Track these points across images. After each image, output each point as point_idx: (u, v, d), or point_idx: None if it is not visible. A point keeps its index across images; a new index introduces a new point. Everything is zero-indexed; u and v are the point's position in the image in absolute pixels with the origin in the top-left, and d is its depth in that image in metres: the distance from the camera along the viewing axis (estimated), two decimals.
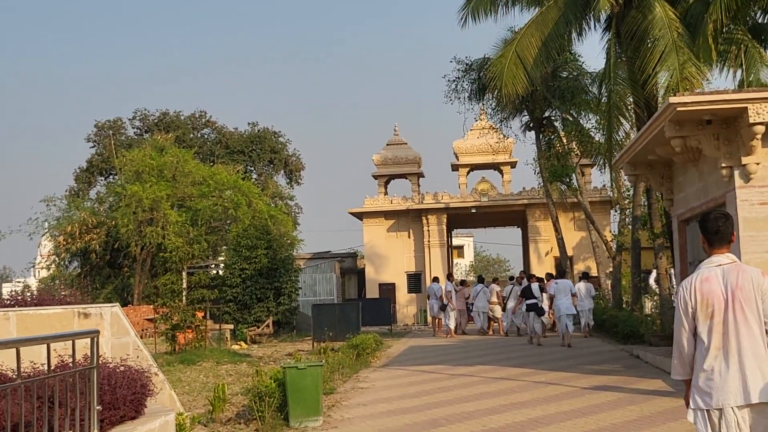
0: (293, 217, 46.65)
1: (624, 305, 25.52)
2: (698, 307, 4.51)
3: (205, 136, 49.81)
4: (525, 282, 23.17)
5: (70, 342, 5.07)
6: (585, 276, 23.31)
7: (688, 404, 4.54)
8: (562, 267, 28.84)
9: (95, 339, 5.28)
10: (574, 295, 20.72)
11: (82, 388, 5.12)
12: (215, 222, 35.63)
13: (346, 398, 12.13)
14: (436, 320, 25.77)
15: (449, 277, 26.17)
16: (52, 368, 4.96)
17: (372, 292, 39.56)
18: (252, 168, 49.09)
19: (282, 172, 50.10)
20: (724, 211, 4.73)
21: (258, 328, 27.79)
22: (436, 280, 26.07)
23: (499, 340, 23.03)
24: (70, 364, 5.21)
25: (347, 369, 15.59)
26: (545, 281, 23.18)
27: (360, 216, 41.45)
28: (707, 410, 4.40)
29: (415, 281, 40.10)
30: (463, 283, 25.28)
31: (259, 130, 49.50)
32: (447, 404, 11.12)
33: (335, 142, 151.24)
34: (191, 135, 48.65)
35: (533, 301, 21.57)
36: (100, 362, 5.80)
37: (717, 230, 4.59)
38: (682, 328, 4.57)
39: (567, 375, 13.94)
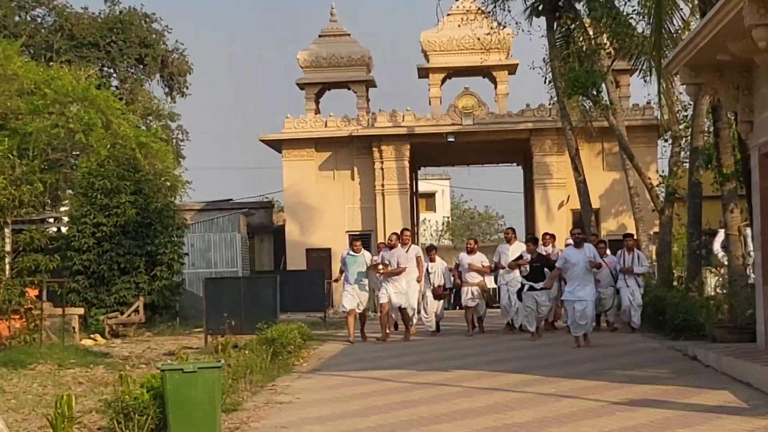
0: (175, 147, 46.22)
1: (675, 282, 25.94)
2: None
3: (39, 21, 48.78)
4: (541, 250, 22.54)
5: None
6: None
7: None
8: (584, 226, 29.17)
9: None
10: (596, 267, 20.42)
11: None
12: (55, 153, 35.02)
13: (257, 418, 12.10)
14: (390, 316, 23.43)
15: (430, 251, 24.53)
16: None
17: (296, 262, 39.59)
18: (112, 70, 48.32)
19: (158, 77, 49.44)
20: None
21: (122, 314, 27.60)
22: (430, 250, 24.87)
23: (485, 337, 23.31)
24: None
25: (259, 375, 15.58)
26: (541, 245, 22.91)
27: (278, 146, 41.21)
28: None
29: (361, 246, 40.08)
30: (430, 250, 24.59)
31: (121, 12, 48.63)
32: (408, 425, 11.18)
33: (240, 32, 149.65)
34: (16, 18, 47.59)
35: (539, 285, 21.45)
36: None
37: None
38: None
39: (589, 384, 14.11)
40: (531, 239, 23.28)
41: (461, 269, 23.34)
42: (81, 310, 26.07)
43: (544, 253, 22.38)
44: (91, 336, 25.06)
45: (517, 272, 22.36)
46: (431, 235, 73.04)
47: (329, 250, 39.86)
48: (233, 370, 14.98)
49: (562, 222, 37.72)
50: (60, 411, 10.30)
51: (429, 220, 73.34)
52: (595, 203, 35.52)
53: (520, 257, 22.14)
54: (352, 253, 22.70)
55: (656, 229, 30.58)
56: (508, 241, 23.90)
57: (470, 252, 23.52)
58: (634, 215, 29.56)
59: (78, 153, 35.59)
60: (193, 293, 34.13)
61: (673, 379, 14.48)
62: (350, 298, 22.44)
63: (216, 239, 38.76)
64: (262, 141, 41.26)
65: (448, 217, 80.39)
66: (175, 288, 30.48)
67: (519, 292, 21.93)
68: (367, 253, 23.10)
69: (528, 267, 21.66)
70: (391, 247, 22.53)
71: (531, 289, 21.44)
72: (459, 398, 13.23)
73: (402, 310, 22.41)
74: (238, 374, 14.98)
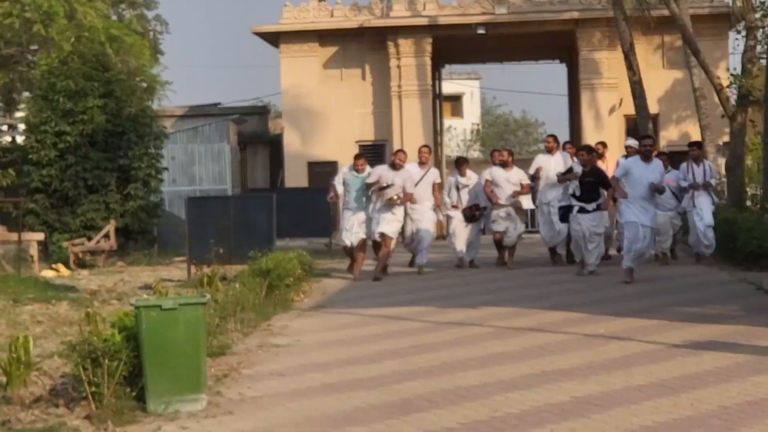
0: (153, 42, 45.92)
1: (749, 203, 25.84)
2: None
3: None
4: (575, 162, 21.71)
5: None
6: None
7: None
8: (639, 135, 28.98)
9: None
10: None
11: None
12: (9, 48, 34.95)
13: (250, 363, 12.14)
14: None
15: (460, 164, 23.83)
16: None
17: (296, 179, 39.57)
18: None
19: None
20: None
21: (90, 240, 27.68)
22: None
23: (518, 270, 23.31)
24: None
25: (251, 313, 15.61)
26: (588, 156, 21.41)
27: (275, 39, 40.92)
28: None
29: (374, 159, 40.02)
30: (461, 163, 23.99)
31: None
32: (429, 373, 11.20)
33: None
34: None
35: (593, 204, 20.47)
36: None
37: None
38: None
39: (643, 324, 14.11)
40: (585, 148, 22.05)
41: (493, 187, 22.53)
42: (41, 236, 26.14)
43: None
44: (53, 266, 25.15)
45: (560, 189, 21.88)
46: (457, 146, 72.91)
47: (335, 164, 39.54)
48: (221, 306, 14.99)
49: (613, 130, 37.47)
50: (15, 355, 10.31)
51: (455, 128, 73.11)
52: (653, 108, 35.32)
53: (570, 170, 21.22)
54: (356, 173, 21.73)
55: (726, 138, 30.45)
56: (549, 152, 23.20)
57: (505, 166, 22.78)
58: (700, 122, 29.41)
59: (36, 48, 35.49)
60: (174, 215, 34.19)
61: (744, 317, 14.47)
62: (352, 229, 21.45)
63: (201, 151, 38.67)
64: (256, 34, 40.93)
65: (477, 124, 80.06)
66: (153, 209, 30.53)
67: (565, 214, 21.01)
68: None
69: (578, 183, 20.54)
70: (395, 166, 21.50)
71: (582, 211, 20.37)
72: (489, 341, 13.25)
73: (383, 237, 21.38)
74: (227, 312, 14.98)
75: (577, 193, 20.49)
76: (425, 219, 22.09)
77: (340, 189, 21.96)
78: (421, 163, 22.36)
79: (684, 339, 12.70)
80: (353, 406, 9.75)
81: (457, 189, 23.01)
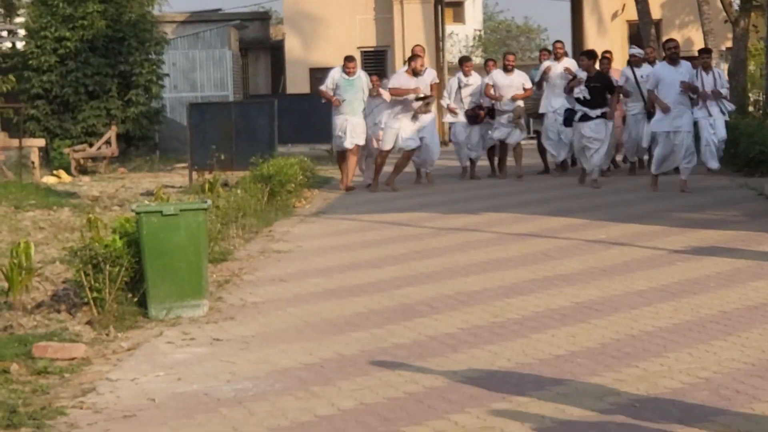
0: None
1: (751, 108, 25.76)
2: None
3: None
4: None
5: None
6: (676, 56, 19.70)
7: None
8: (641, 40, 28.79)
9: None
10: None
11: None
12: None
13: (251, 269, 12.19)
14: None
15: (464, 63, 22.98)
16: None
17: (297, 85, 39.38)
18: None
19: None
20: None
21: (91, 146, 27.63)
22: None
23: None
24: None
25: (253, 219, 15.65)
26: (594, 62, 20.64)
27: None
28: None
29: (376, 65, 39.85)
30: (465, 61, 22.95)
31: None
32: (430, 278, 11.26)
33: None
34: None
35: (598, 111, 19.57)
36: None
37: None
38: None
39: (644, 229, 14.15)
40: (586, 53, 21.10)
41: (495, 91, 21.66)
42: (42, 142, 26.05)
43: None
44: (55, 172, 25.12)
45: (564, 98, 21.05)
46: (459, 51, 72.37)
47: None
48: (223, 212, 14.99)
49: (616, 36, 37.28)
50: (16, 260, 10.31)
51: (457, 34, 72.64)
52: (656, 13, 35.01)
53: (574, 77, 20.25)
54: (346, 76, 20.69)
55: (729, 44, 30.25)
56: (557, 58, 22.27)
57: (507, 70, 21.93)
58: (703, 27, 29.14)
59: None
60: (176, 122, 34.06)
61: (745, 222, 14.51)
62: (346, 134, 20.50)
63: (202, 57, 38.42)
64: None
65: (479, 30, 79.58)
66: (154, 115, 30.45)
67: (568, 118, 20.05)
68: (364, 76, 21.07)
69: (583, 88, 19.56)
70: (416, 72, 20.47)
71: (585, 118, 19.50)
72: (490, 246, 13.31)
73: (411, 151, 20.68)
74: (229, 218, 14.99)
75: (586, 97, 19.45)
76: (431, 128, 21.20)
77: (330, 93, 20.92)
78: (418, 66, 20.87)
79: (684, 244, 12.74)
80: (354, 311, 9.79)
81: (459, 88, 22.08)
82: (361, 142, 20.71)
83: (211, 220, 13.47)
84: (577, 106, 19.68)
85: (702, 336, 8.36)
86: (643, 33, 30.04)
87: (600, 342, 8.30)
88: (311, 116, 31.97)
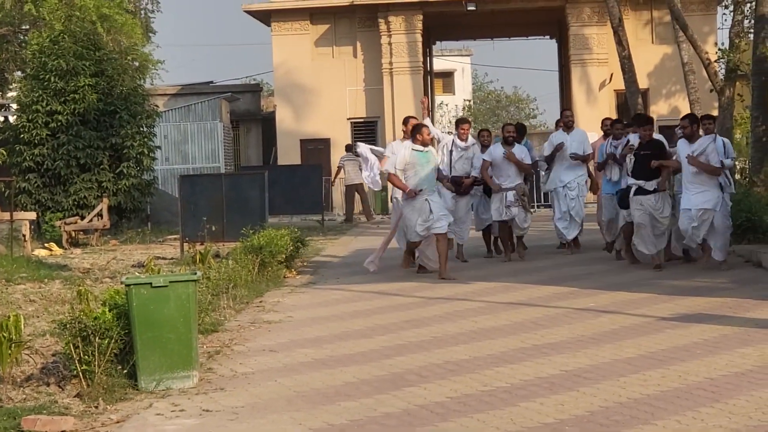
0: (144, 20, 45.80)
1: (738, 176, 25.86)
2: None
3: None
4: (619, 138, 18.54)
5: None
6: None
7: None
8: (629, 110, 28.97)
9: None
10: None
11: None
12: (1, 28, 34.84)
13: (242, 340, 12.16)
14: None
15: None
16: None
17: (289, 156, 39.60)
18: None
19: None
20: None
21: (82, 218, 27.64)
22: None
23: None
24: None
25: (244, 290, 15.66)
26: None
27: (266, 18, 40.86)
28: None
29: (366, 136, 40.09)
30: (461, 123, 20.06)
31: None
32: (419, 348, 11.23)
33: None
34: None
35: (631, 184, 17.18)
36: None
37: None
38: None
39: (633, 297, 14.16)
40: (641, 117, 18.57)
41: (492, 172, 19.02)
42: (33, 215, 26.07)
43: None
44: (46, 245, 25.11)
45: (579, 170, 19.75)
46: (449, 122, 72.80)
47: (328, 140, 39.79)
48: (213, 283, 15.01)
49: (604, 105, 37.59)
50: (6, 334, 10.29)
51: (447, 105, 73.06)
52: (643, 83, 35.34)
53: (627, 143, 17.64)
54: (419, 147, 17.17)
55: (715, 112, 30.38)
56: (567, 128, 20.55)
57: (508, 143, 19.22)
58: (689, 96, 29.41)
59: (28, 27, 35.38)
60: (167, 194, 34.18)
61: (732, 289, 14.49)
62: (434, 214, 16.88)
63: (194, 129, 38.64)
64: (247, 12, 40.90)
65: (469, 101, 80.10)
66: (146, 187, 30.49)
67: (623, 198, 17.54)
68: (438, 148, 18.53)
69: (633, 157, 17.25)
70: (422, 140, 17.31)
71: (640, 192, 16.97)
72: (480, 315, 13.28)
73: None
74: (220, 289, 15.01)
75: (631, 168, 17.26)
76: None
77: (399, 173, 17.24)
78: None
79: (673, 312, 12.74)
80: (344, 381, 9.76)
81: (451, 153, 19.31)
82: (451, 219, 17.55)
83: (202, 291, 13.49)
84: (630, 180, 17.23)
85: (689, 403, 8.36)
86: (630, 102, 30.30)
87: (588, 410, 8.29)
88: (302, 187, 32.11)
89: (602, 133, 20.20)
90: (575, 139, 20.28)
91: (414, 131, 17.61)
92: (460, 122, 20.07)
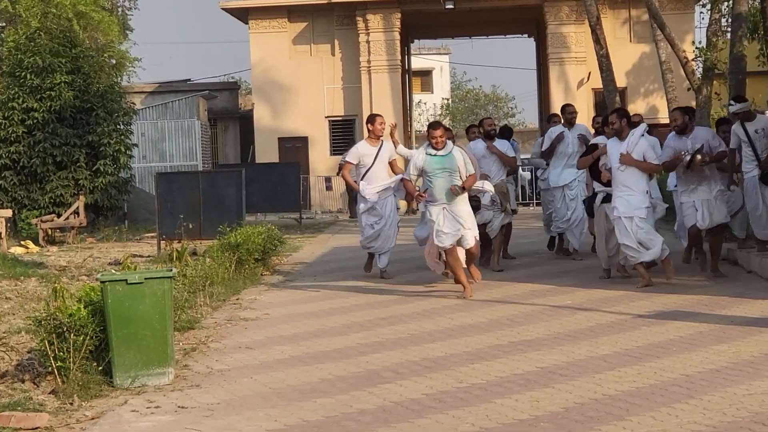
0: (121, 18, 45.71)
1: None
2: None
3: None
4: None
5: None
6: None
7: None
8: (606, 108, 29.02)
9: None
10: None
11: None
12: None
13: (218, 337, 12.15)
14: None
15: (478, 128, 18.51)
16: None
17: (266, 154, 39.54)
18: None
19: None
20: None
21: (59, 216, 27.56)
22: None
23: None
24: None
25: (220, 287, 15.64)
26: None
27: (244, 15, 40.81)
28: None
29: (344, 134, 40.12)
30: (434, 127, 15.81)
31: None
32: (395, 345, 11.25)
33: None
34: None
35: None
36: None
37: None
38: None
39: (609, 294, 14.21)
40: (621, 113, 15.52)
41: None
42: (9, 212, 26.02)
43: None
44: (22, 243, 25.04)
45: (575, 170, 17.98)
46: (427, 120, 72.88)
47: (306, 138, 39.80)
48: (190, 281, 14.98)
49: (582, 103, 37.59)
50: None
51: (425, 103, 73.12)
52: (621, 81, 35.41)
53: (595, 147, 15.99)
54: (434, 151, 14.86)
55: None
56: (569, 123, 18.89)
57: (489, 137, 17.80)
58: (667, 95, 29.45)
59: (3, 24, 35.25)
60: (144, 191, 34.13)
61: (708, 287, 14.55)
62: (447, 229, 14.69)
63: (171, 127, 38.61)
64: (225, 9, 40.84)
65: (447, 99, 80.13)
66: (122, 185, 30.42)
67: (590, 205, 16.31)
68: (460, 151, 15.01)
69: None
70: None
71: (607, 200, 15.39)
72: (456, 312, 13.30)
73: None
74: (196, 286, 14.99)
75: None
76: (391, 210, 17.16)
77: (416, 179, 15.39)
78: (378, 138, 17.14)
79: (649, 309, 12.76)
80: (320, 378, 9.76)
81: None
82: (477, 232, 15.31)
83: (179, 289, 13.47)
84: (598, 186, 15.75)
85: (665, 399, 8.38)
86: (608, 101, 30.32)
87: (563, 406, 8.31)
88: (280, 185, 32.07)
89: (593, 131, 18.97)
90: (579, 134, 18.78)
91: (367, 122, 17.21)
92: (430, 128, 15.24)
